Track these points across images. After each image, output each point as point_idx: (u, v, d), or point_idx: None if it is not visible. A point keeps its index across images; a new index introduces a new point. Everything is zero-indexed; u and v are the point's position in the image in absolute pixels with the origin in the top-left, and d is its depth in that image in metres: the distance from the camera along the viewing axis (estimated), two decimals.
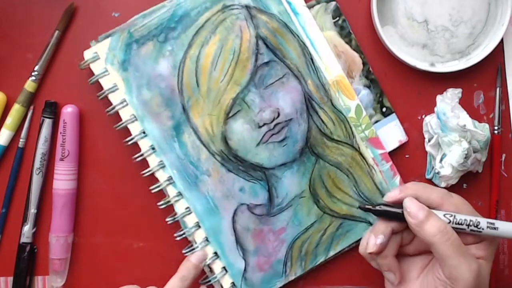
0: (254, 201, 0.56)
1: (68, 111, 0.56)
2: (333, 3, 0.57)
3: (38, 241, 0.58)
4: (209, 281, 0.56)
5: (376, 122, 0.58)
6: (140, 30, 0.54)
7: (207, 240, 0.56)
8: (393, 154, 0.59)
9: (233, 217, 0.56)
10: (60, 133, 0.56)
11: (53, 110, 0.57)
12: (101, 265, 0.59)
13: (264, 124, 0.55)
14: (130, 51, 0.54)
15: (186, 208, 0.55)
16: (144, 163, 0.56)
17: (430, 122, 0.58)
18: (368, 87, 0.58)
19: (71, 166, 0.56)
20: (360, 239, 0.56)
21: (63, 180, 0.56)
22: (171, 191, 0.55)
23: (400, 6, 0.57)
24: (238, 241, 0.56)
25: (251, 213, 0.56)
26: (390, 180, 0.58)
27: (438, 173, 0.57)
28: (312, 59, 0.56)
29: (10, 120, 0.57)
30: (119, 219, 0.58)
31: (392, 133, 0.59)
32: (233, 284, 0.56)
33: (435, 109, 0.58)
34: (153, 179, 0.56)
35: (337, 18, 0.57)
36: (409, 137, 0.59)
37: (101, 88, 0.55)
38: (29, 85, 0.57)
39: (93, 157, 0.58)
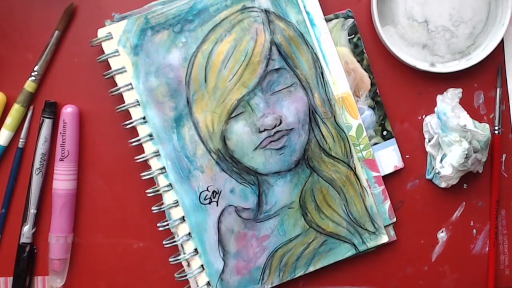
0: (242, 204, 0.57)
1: (68, 111, 0.56)
2: (351, 20, 0.59)
3: (38, 241, 0.59)
4: (185, 275, 0.57)
5: (375, 144, 0.59)
6: (157, 18, 0.55)
7: (189, 235, 0.56)
8: None
9: (220, 217, 0.57)
10: (60, 133, 0.56)
11: (53, 110, 0.57)
12: (101, 265, 0.59)
13: (265, 130, 0.56)
14: (144, 36, 0.55)
15: (174, 201, 0.56)
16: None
17: (430, 122, 0.58)
18: (373, 108, 0.59)
19: (71, 166, 0.57)
20: (342, 260, 0.58)
21: (63, 180, 0.57)
22: (162, 181, 0.56)
23: (400, 6, 0.57)
24: (220, 242, 0.57)
25: (238, 215, 0.57)
26: (380, 204, 0.59)
27: (438, 173, 0.57)
28: (322, 73, 0.57)
29: (10, 120, 0.57)
30: (119, 219, 0.59)
31: (389, 158, 0.59)
32: (208, 283, 0.57)
33: (436, 109, 0.58)
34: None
35: (353, 36, 0.59)
36: (409, 137, 0.59)
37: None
38: (29, 85, 0.57)
39: (93, 157, 0.59)
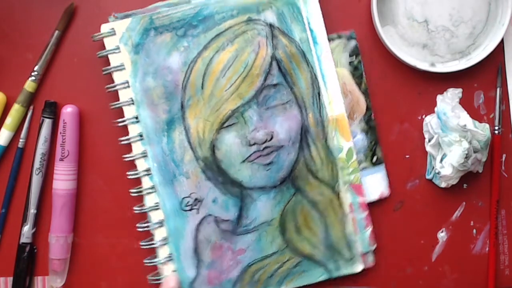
0: (223, 215, 0.57)
1: (68, 111, 0.56)
2: (353, 41, 0.58)
3: (38, 241, 0.59)
4: (159, 279, 0.57)
5: (364, 169, 0.59)
6: (162, 19, 0.55)
7: (166, 239, 0.56)
8: (393, 155, 0.59)
9: (198, 225, 0.56)
10: (60, 133, 0.56)
11: (53, 110, 0.57)
12: (101, 265, 0.59)
13: (255, 144, 0.56)
14: (147, 36, 0.55)
15: (156, 203, 0.56)
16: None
17: (430, 122, 0.58)
18: (365, 132, 0.59)
19: (71, 166, 0.57)
20: (314, 283, 0.58)
21: (63, 180, 0.56)
22: (146, 183, 0.56)
23: (400, 6, 0.57)
24: (196, 250, 0.57)
25: (217, 226, 0.57)
26: (362, 229, 0.58)
27: (438, 173, 0.57)
28: (319, 93, 0.57)
29: (10, 120, 0.57)
30: (119, 219, 0.59)
31: (376, 184, 0.59)
32: None
33: (436, 109, 0.58)
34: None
35: (354, 57, 0.58)
36: (409, 137, 0.59)
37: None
38: (29, 85, 0.57)
39: (93, 157, 0.59)
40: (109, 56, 0.55)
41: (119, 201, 0.59)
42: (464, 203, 0.61)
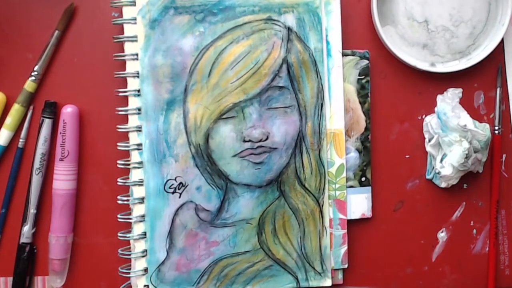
0: (204, 204, 0.57)
1: (68, 111, 0.56)
2: (366, 61, 0.59)
3: (38, 241, 0.59)
4: (129, 254, 0.57)
5: (351, 187, 0.59)
6: (184, 0, 0.56)
7: (143, 217, 0.56)
8: (393, 155, 0.59)
9: (178, 209, 0.57)
10: (60, 133, 0.56)
11: (53, 110, 0.57)
12: (101, 265, 0.59)
13: (249, 141, 0.56)
14: (165, 14, 0.56)
15: (140, 179, 0.56)
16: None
17: (430, 122, 0.58)
18: (360, 152, 0.59)
19: (71, 166, 0.56)
20: None
21: (63, 180, 0.56)
22: (135, 157, 0.56)
23: (400, 6, 0.57)
24: (170, 233, 0.57)
25: (196, 214, 0.57)
26: (337, 246, 0.59)
27: (438, 173, 0.57)
28: (322, 105, 0.57)
29: (10, 120, 0.57)
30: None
31: (360, 204, 0.60)
32: (145, 269, 0.57)
33: (436, 109, 0.58)
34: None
35: (363, 77, 0.59)
36: (409, 137, 0.59)
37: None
38: (29, 85, 0.57)
39: (93, 157, 0.59)
40: (125, 25, 0.55)
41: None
42: (464, 203, 0.61)
